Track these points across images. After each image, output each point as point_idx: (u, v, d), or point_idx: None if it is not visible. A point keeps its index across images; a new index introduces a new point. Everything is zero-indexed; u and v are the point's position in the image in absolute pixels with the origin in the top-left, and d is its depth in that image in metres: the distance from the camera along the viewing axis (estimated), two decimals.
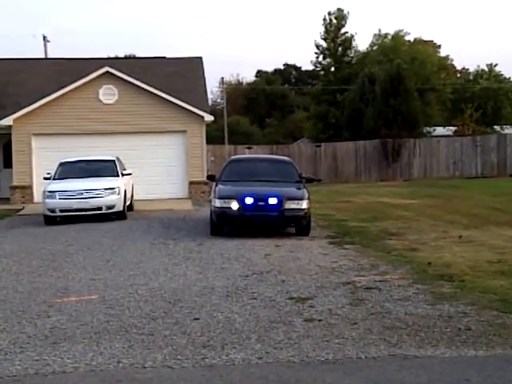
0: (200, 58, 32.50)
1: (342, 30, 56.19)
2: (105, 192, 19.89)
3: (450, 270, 11.20)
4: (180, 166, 27.16)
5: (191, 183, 27.03)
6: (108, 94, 26.73)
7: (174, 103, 26.91)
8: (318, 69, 59.78)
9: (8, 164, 27.89)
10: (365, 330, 7.70)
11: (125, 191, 20.56)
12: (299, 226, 16.02)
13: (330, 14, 56.02)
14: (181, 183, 27.18)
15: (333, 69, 57.04)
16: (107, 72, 26.74)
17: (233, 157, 21.33)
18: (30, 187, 26.30)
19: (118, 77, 26.80)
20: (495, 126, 50.01)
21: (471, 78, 57.62)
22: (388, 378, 6.25)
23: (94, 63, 28.84)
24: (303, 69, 75.57)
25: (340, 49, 56.39)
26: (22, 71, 30.32)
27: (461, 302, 8.91)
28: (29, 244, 15.43)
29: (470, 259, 12.19)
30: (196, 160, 27.09)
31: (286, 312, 8.59)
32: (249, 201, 15.58)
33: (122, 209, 20.17)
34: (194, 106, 27.02)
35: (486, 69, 56.58)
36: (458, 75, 64.14)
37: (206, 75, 31.17)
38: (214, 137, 43.20)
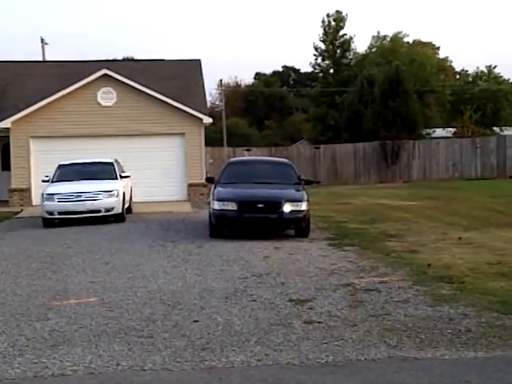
0: (198, 61, 32.48)
1: (341, 32, 56.21)
2: (103, 194, 19.87)
3: (449, 271, 11.19)
4: (179, 168, 27.14)
5: (190, 185, 27.00)
6: (106, 97, 26.71)
7: (172, 105, 26.90)
8: (317, 71, 59.79)
9: (6, 167, 27.86)
10: (364, 332, 7.68)
11: (123, 194, 20.53)
12: (298, 227, 15.99)
13: (328, 16, 56.06)
14: (179, 185, 27.16)
15: (332, 71, 57.04)
16: (105, 74, 26.72)
17: (232, 159, 21.33)
18: (29, 190, 26.28)
19: (117, 79, 26.78)
20: (494, 128, 50.04)
21: (470, 79, 57.62)
22: (388, 380, 6.23)
23: (92, 66, 28.80)
24: (302, 71, 75.65)
25: (339, 51, 56.40)
26: (20, 74, 30.28)
27: (461, 304, 8.89)
28: (27, 246, 15.41)
29: (469, 261, 12.18)
30: (195, 162, 27.06)
31: (285, 314, 8.57)
32: (248, 203, 15.56)
33: (120, 211, 20.14)
34: (192, 109, 27.01)
35: (485, 70, 56.58)
36: (457, 77, 64.14)
37: (204, 77, 31.17)
38: (212, 139, 43.22)
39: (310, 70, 62.58)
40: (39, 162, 26.05)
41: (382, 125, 40.78)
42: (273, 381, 6.25)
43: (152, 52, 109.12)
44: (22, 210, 24.62)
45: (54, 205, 19.55)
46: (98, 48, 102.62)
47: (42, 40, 45.34)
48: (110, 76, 26.75)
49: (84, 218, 19.62)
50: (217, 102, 70.31)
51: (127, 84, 26.80)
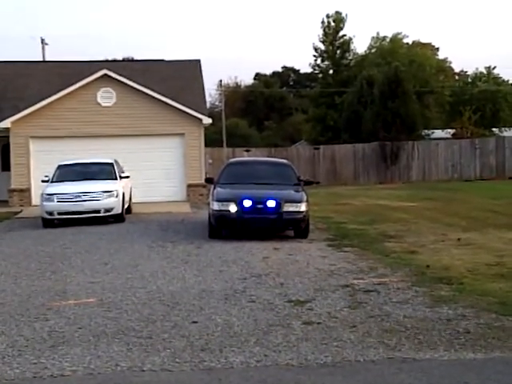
0: (198, 61, 32.48)
1: (341, 33, 56.18)
2: (103, 195, 19.87)
3: (448, 272, 11.19)
4: (178, 168, 27.13)
5: (189, 186, 26.99)
6: (106, 97, 26.70)
7: (172, 106, 26.89)
8: (317, 71, 59.77)
9: (6, 167, 27.86)
10: (363, 333, 7.69)
11: (123, 194, 20.53)
12: (298, 228, 15.99)
13: (328, 16, 56.04)
14: (179, 186, 27.15)
15: (331, 71, 57.01)
16: (105, 75, 26.71)
17: (231, 159, 21.33)
18: (28, 190, 26.27)
19: (116, 79, 26.77)
20: (494, 129, 50.01)
21: (470, 80, 57.57)
22: (387, 381, 6.24)
23: (92, 66, 28.81)
24: (301, 71, 75.75)
25: (338, 51, 56.38)
26: (20, 74, 30.28)
27: (459, 305, 8.90)
28: (27, 247, 15.41)
29: (468, 262, 12.18)
30: (194, 163, 27.05)
31: (284, 315, 8.57)
32: (247, 203, 15.54)
33: (120, 211, 20.14)
34: (192, 109, 27.01)
35: (485, 71, 56.53)
36: (457, 78, 64.11)
37: (204, 78, 31.16)
38: (212, 139, 43.24)
39: (309, 70, 62.68)
40: (39, 162, 26.04)
41: (381, 125, 40.78)
42: (272, 381, 6.25)
43: (152, 52, 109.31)
44: (21, 210, 24.62)
45: (54, 205, 19.55)
46: (98, 48, 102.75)
47: (42, 40, 45.42)
48: (109, 76, 26.75)
49: (83, 218, 19.61)
50: (216, 103, 70.35)
51: (127, 84, 26.79)
